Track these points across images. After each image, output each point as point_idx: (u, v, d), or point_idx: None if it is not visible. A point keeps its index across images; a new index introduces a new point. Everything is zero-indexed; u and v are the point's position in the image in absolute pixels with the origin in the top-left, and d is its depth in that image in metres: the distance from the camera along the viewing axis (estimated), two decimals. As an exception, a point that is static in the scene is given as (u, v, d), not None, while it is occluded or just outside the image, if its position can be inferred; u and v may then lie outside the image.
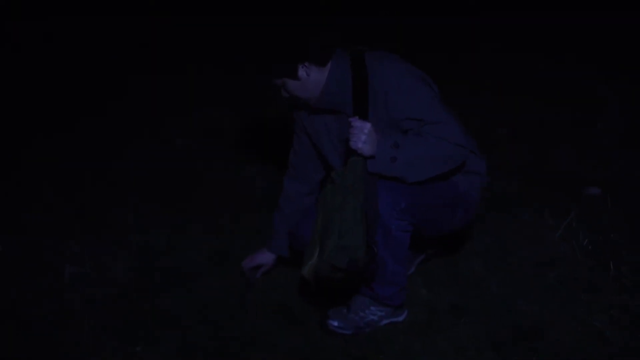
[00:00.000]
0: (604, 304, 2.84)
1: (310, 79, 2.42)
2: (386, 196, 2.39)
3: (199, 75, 5.66)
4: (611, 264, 3.01)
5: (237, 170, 3.96)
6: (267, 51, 2.38)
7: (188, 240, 3.37)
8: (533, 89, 5.01)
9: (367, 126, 2.32)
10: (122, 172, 4.05)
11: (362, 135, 2.32)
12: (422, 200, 2.43)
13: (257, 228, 3.35)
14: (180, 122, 4.71)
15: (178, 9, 8.26)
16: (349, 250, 2.30)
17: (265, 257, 2.84)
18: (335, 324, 2.61)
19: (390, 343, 2.67)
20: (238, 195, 3.69)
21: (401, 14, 7.31)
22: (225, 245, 3.30)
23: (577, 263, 3.07)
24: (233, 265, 3.10)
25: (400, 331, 2.74)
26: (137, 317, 2.87)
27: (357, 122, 2.33)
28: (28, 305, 2.96)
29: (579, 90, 4.88)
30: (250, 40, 2.66)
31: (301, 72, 2.41)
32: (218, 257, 3.26)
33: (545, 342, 2.62)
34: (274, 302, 2.94)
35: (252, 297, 2.96)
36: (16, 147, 4.42)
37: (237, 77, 5.10)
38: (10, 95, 5.40)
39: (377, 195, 2.36)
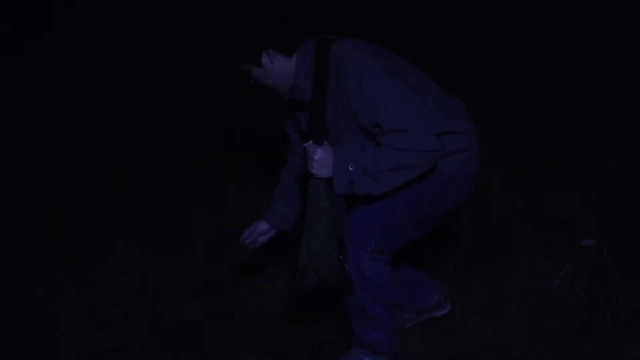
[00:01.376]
0: (600, 354, 2.84)
1: (275, 67, 2.35)
2: (353, 235, 2.35)
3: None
4: (607, 314, 3.00)
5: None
6: (234, 35, 2.34)
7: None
8: (530, 124, 4.92)
9: (317, 152, 2.28)
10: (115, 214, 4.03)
11: (313, 162, 2.29)
12: (398, 219, 2.37)
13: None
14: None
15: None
16: (319, 271, 2.30)
17: (261, 226, 2.76)
18: None
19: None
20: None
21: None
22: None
23: (573, 313, 3.07)
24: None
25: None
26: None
27: (308, 147, 2.30)
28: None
29: (578, 131, 4.76)
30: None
31: (265, 59, 2.35)
32: (216, 308, 3.25)
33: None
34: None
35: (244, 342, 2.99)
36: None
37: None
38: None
39: (346, 218, 2.35)
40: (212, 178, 4.34)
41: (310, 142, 2.32)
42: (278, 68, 2.35)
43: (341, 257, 2.36)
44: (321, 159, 2.28)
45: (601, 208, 3.73)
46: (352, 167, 2.23)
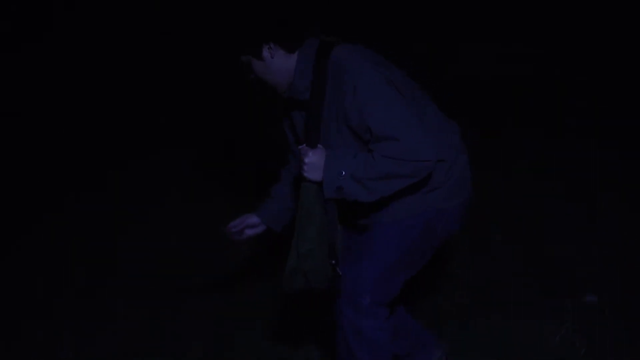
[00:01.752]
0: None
1: (275, 62, 2.28)
2: (347, 294, 2.30)
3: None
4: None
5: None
6: (235, 24, 2.32)
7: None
8: (532, 169, 4.64)
9: (309, 154, 2.26)
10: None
11: (304, 165, 2.28)
12: (390, 266, 2.29)
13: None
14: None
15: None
16: (307, 274, 2.29)
17: (251, 218, 2.72)
18: None
19: None
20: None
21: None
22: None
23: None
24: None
25: None
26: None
27: (302, 150, 2.29)
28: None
29: (580, 175, 4.48)
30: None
31: (265, 52, 2.29)
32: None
33: None
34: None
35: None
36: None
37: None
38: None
39: (336, 222, 2.33)
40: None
41: (304, 145, 2.31)
42: (278, 63, 2.30)
43: (333, 262, 2.34)
44: (312, 162, 2.24)
45: (602, 260, 3.65)
46: (342, 173, 2.21)
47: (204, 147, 5.14)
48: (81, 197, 4.72)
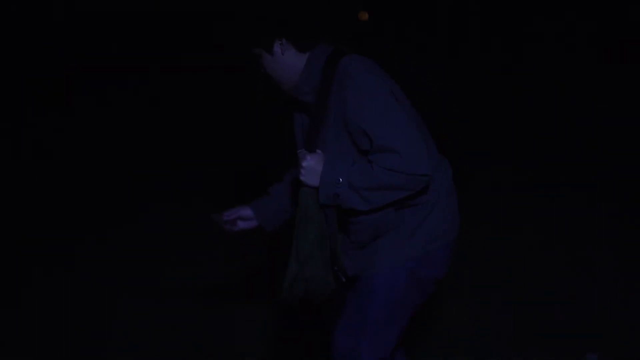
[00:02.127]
0: None
1: (285, 59, 2.27)
2: (341, 349, 2.28)
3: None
4: None
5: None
6: (251, 15, 2.31)
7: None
8: (529, 229, 4.38)
9: (307, 159, 2.25)
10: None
11: (301, 169, 2.27)
12: (381, 324, 2.23)
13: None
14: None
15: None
16: (309, 281, 2.28)
17: (245, 211, 2.69)
18: None
19: None
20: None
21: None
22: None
23: None
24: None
25: None
26: None
27: (300, 154, 2.28)
28: None
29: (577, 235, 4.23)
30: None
31: (277, 47, 2.30)
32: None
33: None
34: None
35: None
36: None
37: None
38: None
39: (335, 228, 2.32)
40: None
41: (303, 149, 2.30)
42: (288, 60, 2.29)
43: (335, 268, 2.33)
44: (310, 167, 2.23)
45: (602, 319, 3.62)
46: (339, 180, 2.21)
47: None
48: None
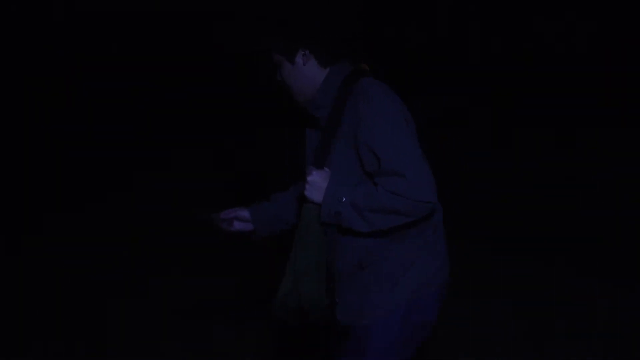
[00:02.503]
0: None
1: (305, 70, 2.27)
2: None
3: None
4: None
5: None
6: (279, 22, 2.30)
7: None
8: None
9: (313, 174, 2.25)
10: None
11: (306, 185, 2.27)
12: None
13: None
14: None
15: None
16: (302, 297, 2.27)
17: (243, 212, 2.67)
18: None
19: None
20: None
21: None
22: None
23: None
24: None
25: None
26: None
27: (308, 169, 2.28)
28: None
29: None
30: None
31: (299, 58, 2.31)
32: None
33: None
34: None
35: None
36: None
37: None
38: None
39: (335, 246, 2.31)
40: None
41: (312, 164, 2.30)
42: (308, 72, 2.28)
43: (331, 285, 2.32)
44: (315, 182, 2.23)
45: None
46: (343, 199, 2.21)
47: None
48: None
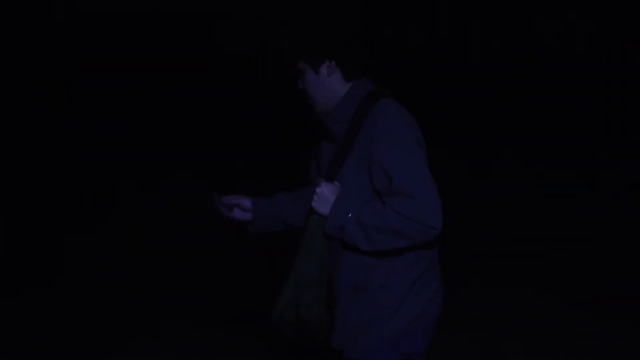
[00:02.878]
0: None
1: (328, 82, 2.27)
2: None
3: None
4: None
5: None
6: (308, 31, 2.30)
7: None
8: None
9: (322, 186, 2.26)
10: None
11: (314, 195, 2.27)
12: None
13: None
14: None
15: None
16: (301, 308, 2.26)
17: (246, 201, 2.66)
18: None
19: None
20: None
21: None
22: None
23: None
24: None
25: None
26: None
27: (318, 181, 2.28)
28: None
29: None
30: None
31: (324, 68, 2.33)
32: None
33: None
34: None
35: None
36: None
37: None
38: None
39: (338, 260, 2.31)
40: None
41: (322, 177, 2.31)
42: (330, 84, 2.29)
43: (331, 299, 2.31)
44: (323, 194, 2.23)
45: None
46: (349, 214, 2.21)
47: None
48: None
